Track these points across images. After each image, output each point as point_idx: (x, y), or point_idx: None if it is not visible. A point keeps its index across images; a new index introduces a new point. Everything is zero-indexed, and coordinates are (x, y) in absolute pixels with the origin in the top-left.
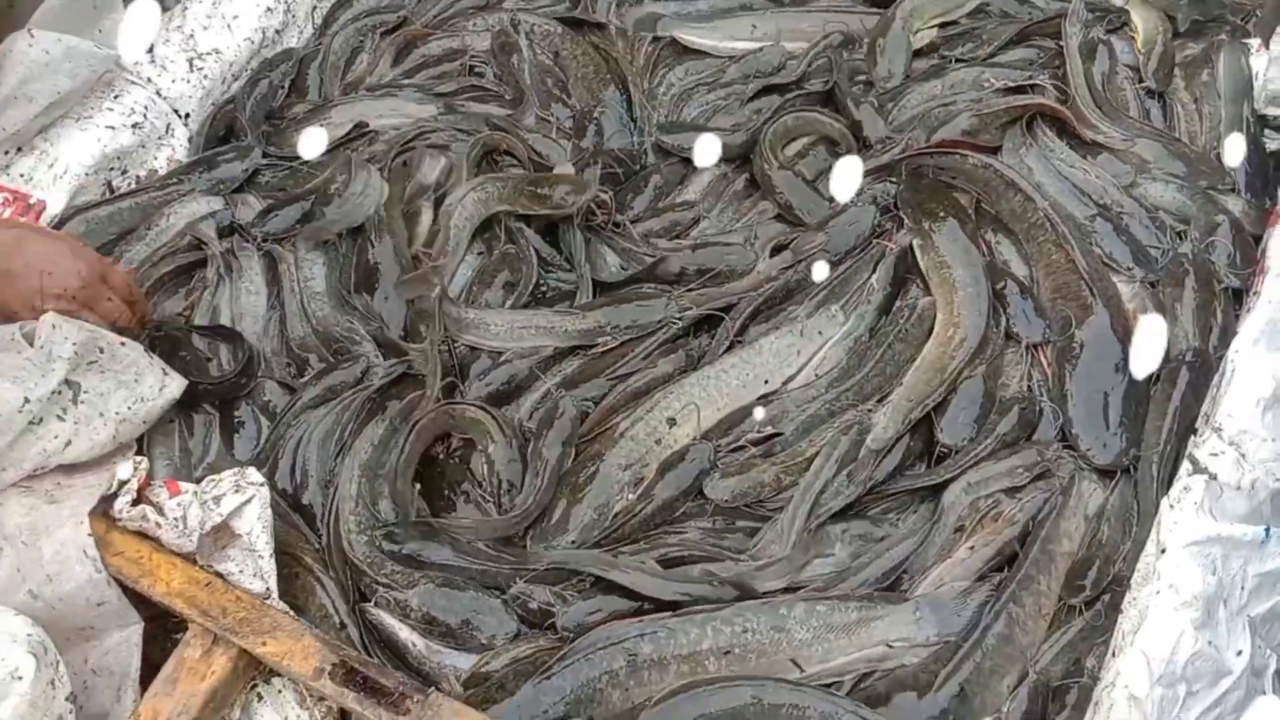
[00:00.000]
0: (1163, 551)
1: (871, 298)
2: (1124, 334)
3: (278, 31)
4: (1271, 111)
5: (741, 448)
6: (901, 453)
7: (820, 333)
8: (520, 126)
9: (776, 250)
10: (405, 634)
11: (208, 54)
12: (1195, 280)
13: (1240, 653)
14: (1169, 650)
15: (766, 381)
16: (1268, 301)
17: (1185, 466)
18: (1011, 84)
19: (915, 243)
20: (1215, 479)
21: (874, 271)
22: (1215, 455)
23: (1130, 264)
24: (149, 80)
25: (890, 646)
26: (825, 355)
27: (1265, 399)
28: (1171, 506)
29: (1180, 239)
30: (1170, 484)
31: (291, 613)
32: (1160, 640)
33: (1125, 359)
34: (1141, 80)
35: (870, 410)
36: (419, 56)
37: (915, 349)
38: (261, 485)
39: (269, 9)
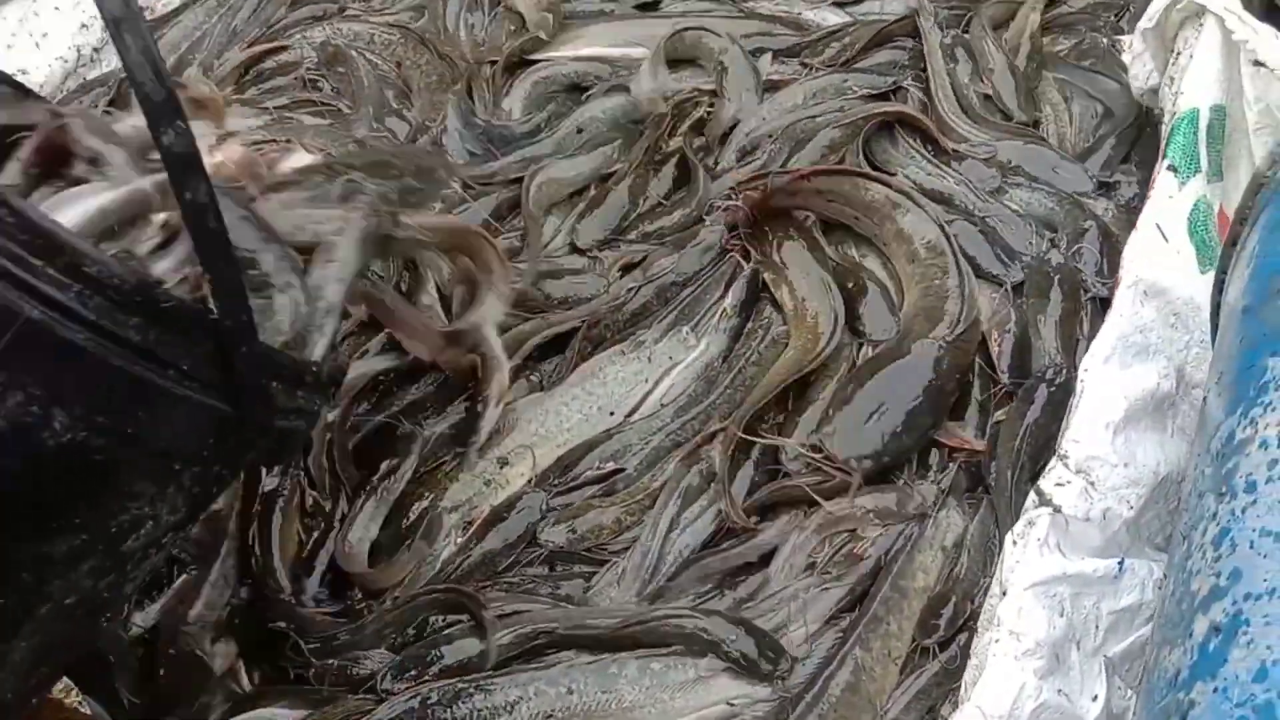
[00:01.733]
0: (1003, 594)
1: (724, 319)
2: (951, 364)
3: (95, 50)
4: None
5: (579, 487)
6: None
7: (670, 358)
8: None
9: (626, 270)
10: None
11: (13, 74)
12: (1060, 290)
13: (1096, 697)
14: (1009, 705)
15: (612, 413)
16: (1119, 315)
17: (1031, 498)
18: (874, 91)
19: (765, 275)
20: (1060, 512)
21: (726, 291)
22: (1060, 485)
23: (995, 269)
24: None
25: (731, 705)
26: (674, 382)
27: (1116, 421)
28: (1015, 543)
29: (1052, 245)
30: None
31: None
32: (1000, 694)
33: (936, 385)
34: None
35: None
36: (252, 72)
37: (767, 371)
38: None
39: (84, 25)
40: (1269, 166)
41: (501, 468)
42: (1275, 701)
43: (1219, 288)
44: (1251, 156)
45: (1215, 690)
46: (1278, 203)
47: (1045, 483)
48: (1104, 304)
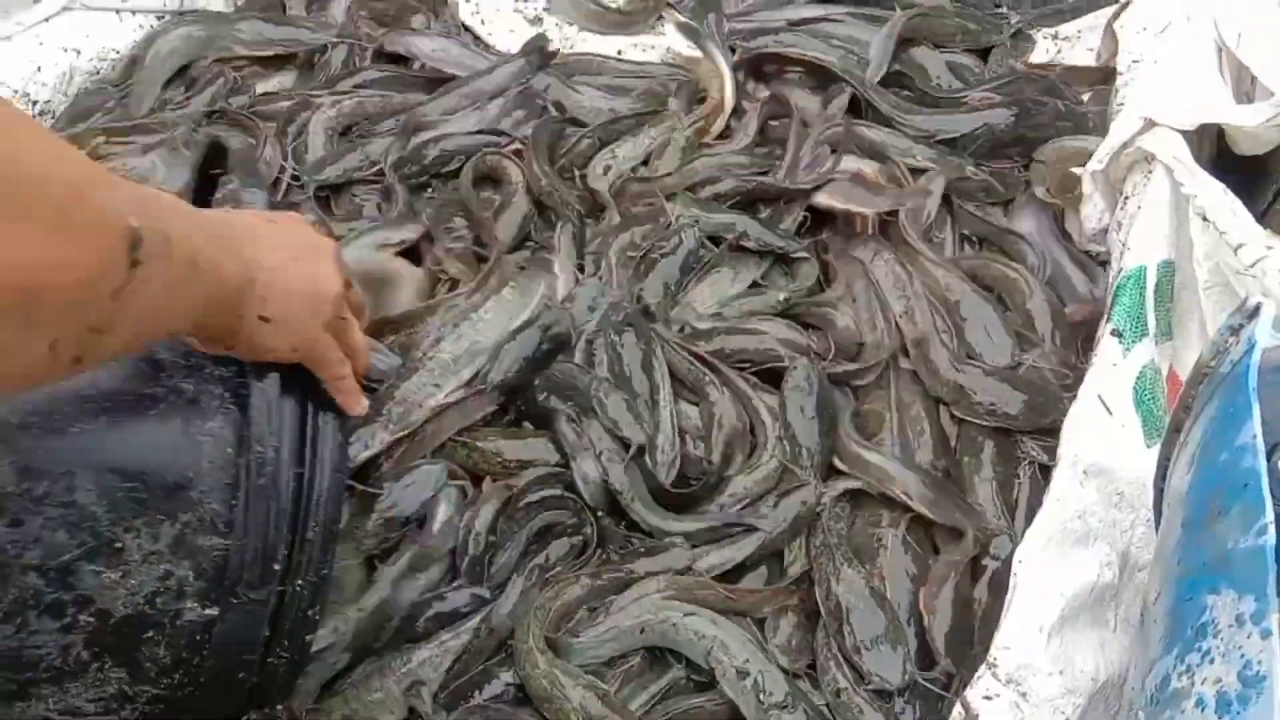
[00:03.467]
0: None
1: None
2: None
3: None
4: (1094, 248)
5: None
6: None
7: None
8: None
9: None
10: None
11: None
12: (995, 451)
13: None
14: None
15: None
16: (1057, 499)
17: (957, 711)
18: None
19: None
20: None
21: None
22: (989, 699)
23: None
24: None
25: None
26: None
27: (1051, 623)
28: None
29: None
30: None
31: None
32: None
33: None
34: None
35: None
36: None
37: None
38: None
39: None
40: (1212, 356)
41: None
42: None
43: (1162, 474)
44: (1202, 314)
45: None
46: (1221, 403)
47: (972, 694)
48: (1044, 470)
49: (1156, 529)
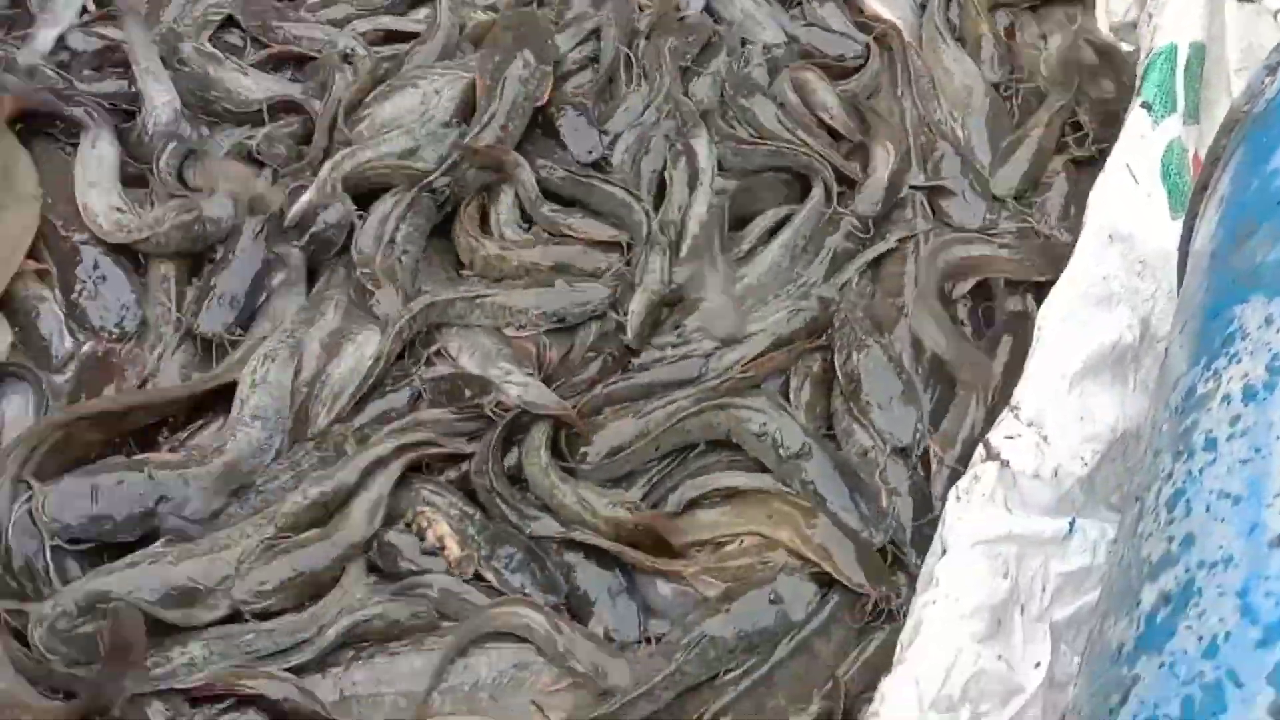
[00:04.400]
0: (943, 552)
1: None
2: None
3: None
4: (1120, 43)
5: None
6: None
7: None
8: None
9: None
10: None
11: None
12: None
13: (1039, 664)
14: (944, 671)
15: None
16: (1081, 262)
17: (979, 452)
18: None
19: None
20: (1008, 466)
21: None
22: (1010, 439)
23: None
24: None
25: None
26: None
27: (1074, 374)
28: (959, 499)
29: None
30: None
31: None
32: (934, 659)
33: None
34: None
35: None
36: None
37: None
38: None
39: None
40: (1245, 102)
41: None
42: (1225, 682)
43: (1187, 236)
44: (1232, 99)
45: (1161, 665)
46: (1252, 140)
47: (994, 435)
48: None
49: (1179, 292)
